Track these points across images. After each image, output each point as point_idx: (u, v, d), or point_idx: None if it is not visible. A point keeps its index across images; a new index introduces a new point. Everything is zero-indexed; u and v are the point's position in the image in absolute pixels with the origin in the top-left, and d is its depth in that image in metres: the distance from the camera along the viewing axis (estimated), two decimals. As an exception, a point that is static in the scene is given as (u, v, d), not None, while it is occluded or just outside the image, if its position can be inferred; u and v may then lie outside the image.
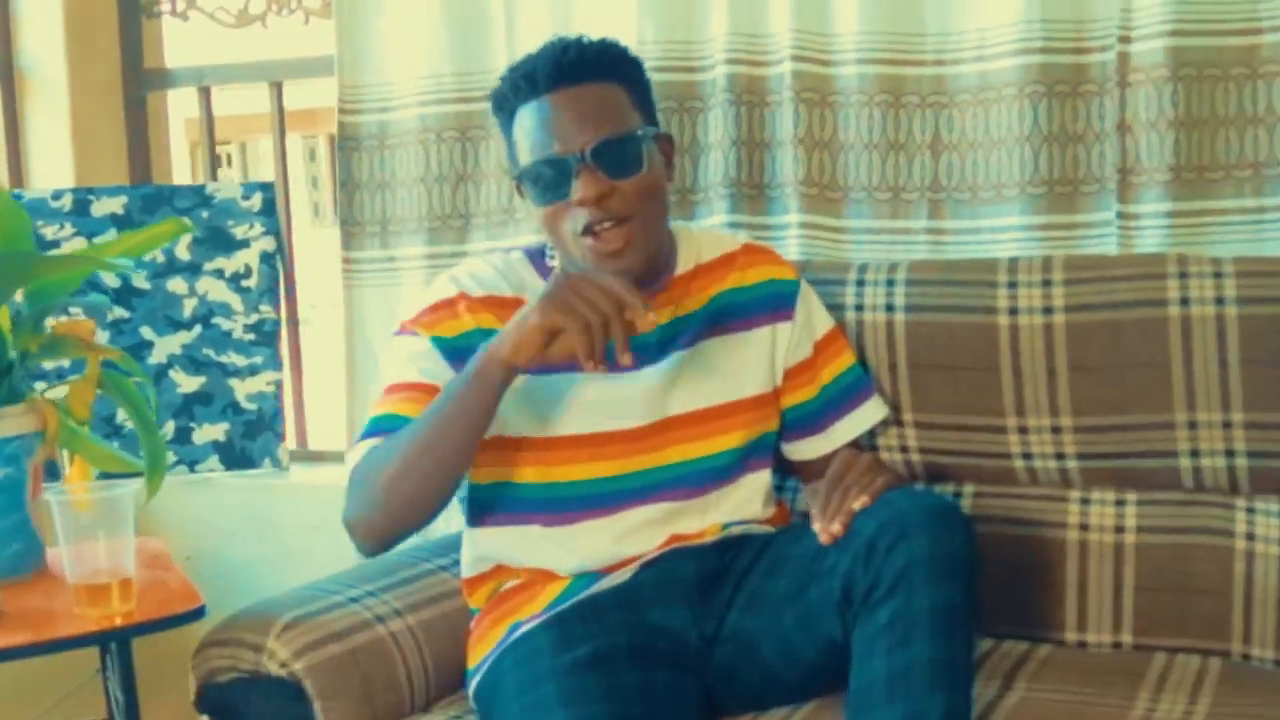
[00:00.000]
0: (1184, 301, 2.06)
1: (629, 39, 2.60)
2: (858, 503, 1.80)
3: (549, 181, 1.97)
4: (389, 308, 2.89)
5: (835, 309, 2.22)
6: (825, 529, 1.79)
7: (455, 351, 1.97)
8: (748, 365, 2.11)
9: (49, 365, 2.75)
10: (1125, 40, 2.35)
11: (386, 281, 2.90)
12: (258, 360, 3.11)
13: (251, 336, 3.10)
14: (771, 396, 2.13)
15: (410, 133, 2.83)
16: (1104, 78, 2.39)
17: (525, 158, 2.00)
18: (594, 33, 2.61)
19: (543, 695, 1.80)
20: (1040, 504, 2.17)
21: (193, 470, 3.09)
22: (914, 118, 2.51)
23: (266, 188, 3.10)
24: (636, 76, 2.08)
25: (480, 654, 2.00)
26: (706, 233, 2.24)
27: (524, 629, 1.95)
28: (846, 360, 2.18)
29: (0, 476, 2.07)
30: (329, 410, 3.23)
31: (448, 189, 2.83)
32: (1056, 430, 2.13)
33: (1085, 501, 2.15)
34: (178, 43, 3.36)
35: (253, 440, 3.11)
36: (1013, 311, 2.13)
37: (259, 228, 3.08)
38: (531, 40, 2.66)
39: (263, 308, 3.10)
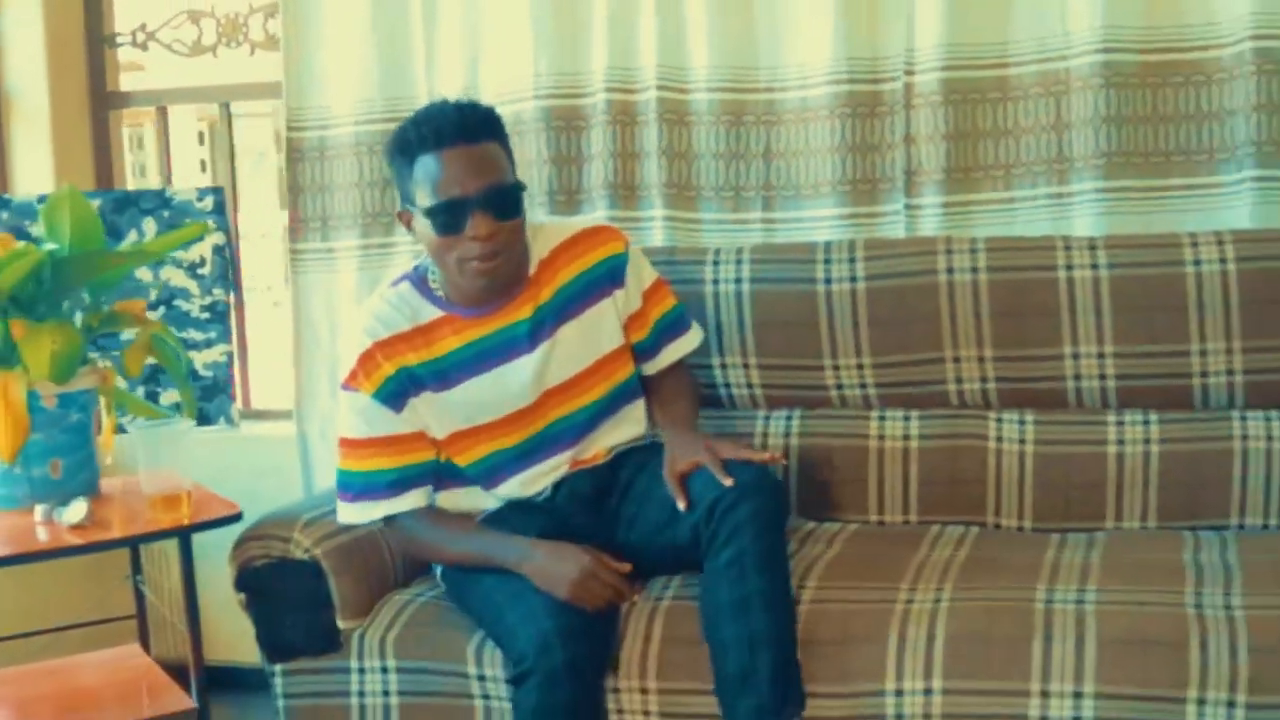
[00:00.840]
0: (949, 270, 2.83)
1: (527, 72, 3.30)
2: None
3: (447, 219, 2.41)
4: (328, 291, 3.53)
5: (696, 283, 2.94)
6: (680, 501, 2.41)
7: (389, 396, 2.52)
8: (599, 332, 2.61)
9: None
10: (910, 74, 3.09)
11: (326, 269, 3.53)
12: (212, 335, 3.70)
13: (206, 315, 3.70)
14: (623, 348, 2.65)
15: (347, 146, 3.46)
16: (894, 102, 3.12)
17: (426, 198, 2.43)
18: (499, 66, 3.30)
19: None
20: (849, 422, 2.93)
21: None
22: (751, 133, 3.21)
23: (218, 191, 3.71)
24: (506, 136, 2.53)
25: None
26: (546, 225, 2.67)
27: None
28: (669, 303, 2.72)
29: (75, 420, 2.69)
30: (274, 376, 3.86)
31: (377, 192, 3.47)
32: (860, 367, 2.89)
33: (882, 419, 2.91)
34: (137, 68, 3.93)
35: (209, 402, 3.72)
36: (827, 281, 2.88)
37: (211, 224, 3.68)
38: (448, 71, 3.35)
39: (215, 292, 3.70)
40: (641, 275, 2.68)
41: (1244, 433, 2.74)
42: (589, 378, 2.62)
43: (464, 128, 2.43)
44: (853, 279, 2.87)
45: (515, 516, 2.59)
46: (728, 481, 2.35)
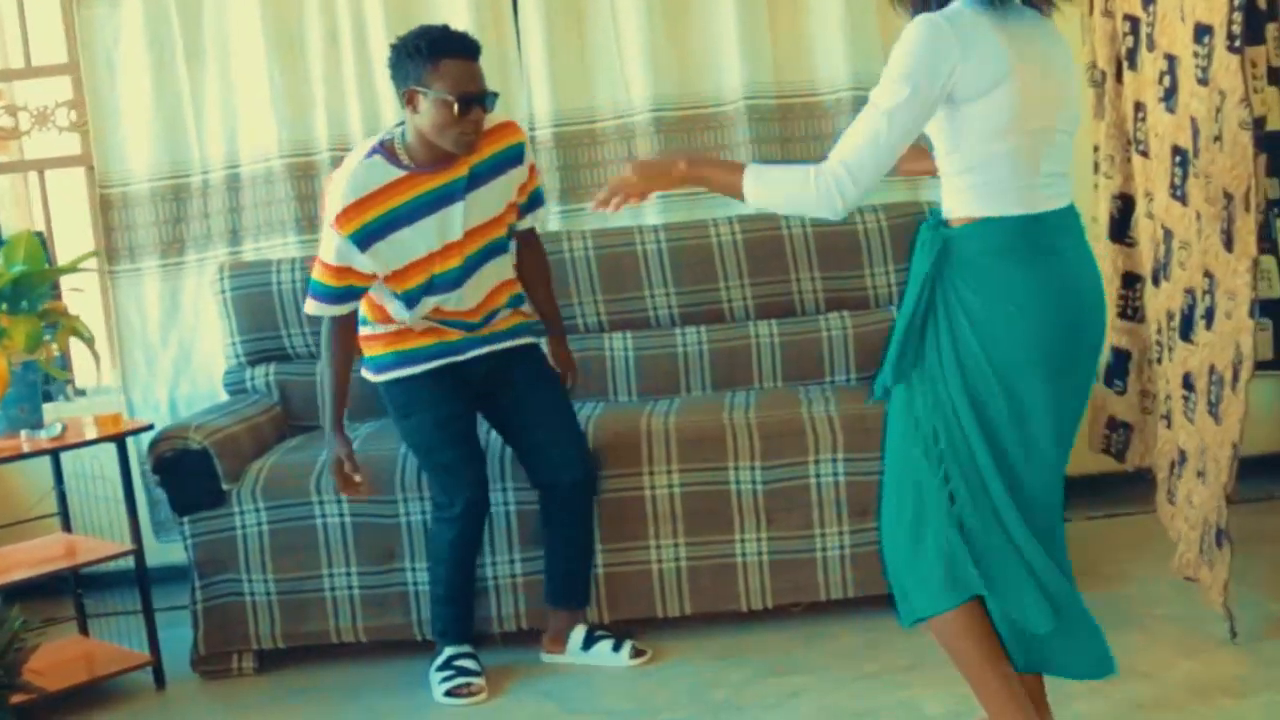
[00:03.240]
0: (570, 250, 4.58)
1: (273, 138, 4.86)
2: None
3: (461, 107, 3.54)
4: (137, 298, 4.95)
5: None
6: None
7: (358, 239, 3.61)
8: (505, 191, 3.78)
9: None
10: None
11: (135, 283, 4.94)
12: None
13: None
14: (514, 205, 3.83)
15: (145, 197, 4.92)
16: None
17: (445, 89, 3.53)
18: (252, 134, 4.87)
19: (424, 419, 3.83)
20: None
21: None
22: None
23: (40, 234, 5.06)
24: None
25: (377, 351, 3.90)
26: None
27: (408, 371, 3.86)
28: (539, 181, 3.97)
29: (31, 380, 4.07)
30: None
31: (169, 227, 4.92)
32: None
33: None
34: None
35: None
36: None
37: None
38: (213, 140, 4.91)
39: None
40: (530, 155, 3.89)
41: (756, 333, 4.60)
42: (494, 224, 3.79)
43: (476, 48, 3.65)
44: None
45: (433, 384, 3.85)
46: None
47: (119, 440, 4.07)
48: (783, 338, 4.59)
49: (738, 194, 2.82)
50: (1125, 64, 4.17)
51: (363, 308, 3.82)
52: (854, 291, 4.63)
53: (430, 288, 3.73)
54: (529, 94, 4.84)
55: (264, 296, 4.63)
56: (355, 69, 4.83)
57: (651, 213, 4.79)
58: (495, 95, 3.66)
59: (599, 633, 3.99)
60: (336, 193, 3.64)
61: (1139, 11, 4.00)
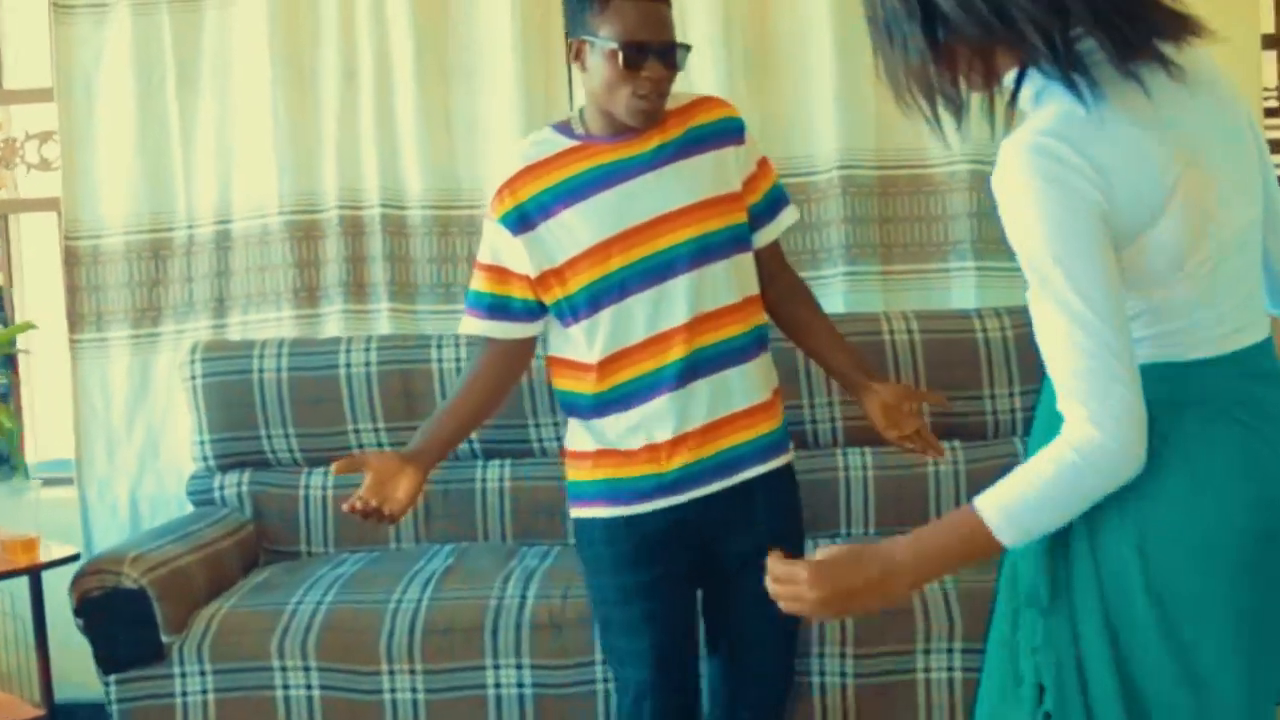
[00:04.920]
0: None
1: (272, 191, 4.06)
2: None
3: (631, 57, 2.63)
4: (101, 373, 4.16)
5: (424, 362, 3.76)
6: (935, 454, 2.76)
7: (512, 220, 2.71)
8: (718, 173, 2.75)
9: None
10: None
11: (101, 356, 4.16)
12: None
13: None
14: (737, 196, 2.78)
15: (119, 253, 4.14)
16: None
17: (614, 36, 2.63)
18: (249, 186, 4.06)
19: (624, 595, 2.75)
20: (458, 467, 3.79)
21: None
22: (457, 241, 4.05)
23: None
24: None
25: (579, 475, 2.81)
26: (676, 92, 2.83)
27: (595, 513, 2.77)
28: (776, 176, 2.90)
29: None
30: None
31: (146, 290, 4.14)
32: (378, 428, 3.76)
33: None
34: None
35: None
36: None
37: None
38: (204, 190, 4.10)
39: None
40: (757, 144, 2.90)
41: (846, 465, 3.73)
42: (701, 210, 2.74)
43: None
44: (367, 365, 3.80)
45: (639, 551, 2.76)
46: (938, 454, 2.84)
47: (33, 574, 3.28)
48: (877, 472, 3.72)
49: (992, 552, 1.86)
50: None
51: (559, 377, 2.85)
52: (969, 417, 3.74)
53: (611, 289, 2.72)
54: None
55: (243, 386, 3.82)
56: (374, 112, 4.05)
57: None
58: (686, 48, 2.75)
59: None
60: (499, 177, 2.82)
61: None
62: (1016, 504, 1.80)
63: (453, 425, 2.82)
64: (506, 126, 4.01)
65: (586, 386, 2.74)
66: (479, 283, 2.81)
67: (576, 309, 2.72)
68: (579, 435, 2.80)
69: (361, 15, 4.05)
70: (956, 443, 3.70)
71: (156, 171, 4.13)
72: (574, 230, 2.71)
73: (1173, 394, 1.83)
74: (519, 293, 2.76)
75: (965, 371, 3.72)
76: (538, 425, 3.76)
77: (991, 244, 3.90)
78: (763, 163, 2.88)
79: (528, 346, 2.85)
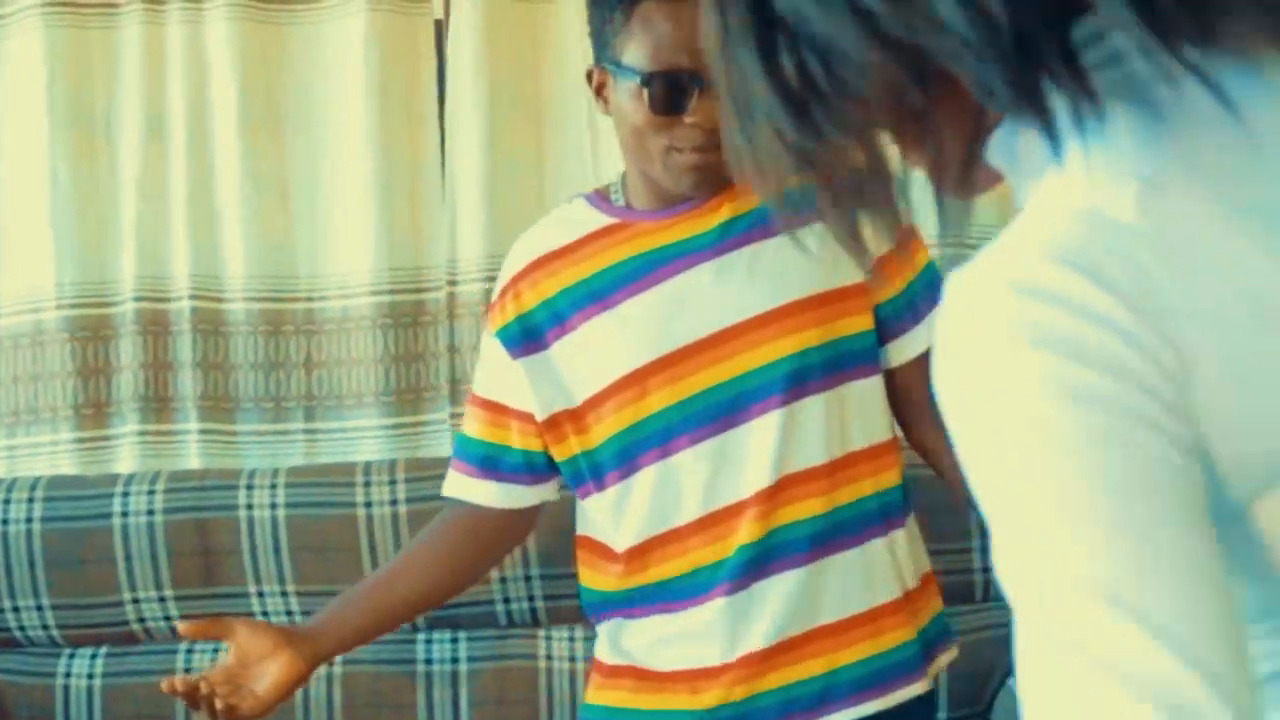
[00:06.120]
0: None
1: (49, 279, 3.10)
2: None
3: (666, 93, 1.83)
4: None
5: (229, 509, 2.79)
6: None
7: (514, 334, 2.00)
8: (805, 263, 1.87)
9: None
10: (452, 284, 3.09)
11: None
12: None
13: None
14: (854, 290, 1.94)
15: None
16: (437, 312, 3.11)
17: (641, 60, 1.85)
18: (19, 273, 3.11)
19: None
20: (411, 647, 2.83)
21: None
22: (291, 342, 3.13)
23: None
24: None
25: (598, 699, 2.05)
26: None
27: None
28: (925, 257, 2.02)
29: None
30: None
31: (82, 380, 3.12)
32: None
33: (429, 643, 2.81)
34: None
35: None
36: (367, 505, 2.79)
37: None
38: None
39: None
40: None
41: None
42: (795, 315, 1.90)
43: None
44: (394, 502, 2.80)
45: None
46: None
47: None
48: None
49: None
50: None
51: (579, 563, 2.09)
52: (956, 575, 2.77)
53: (650, 440, 1.91)
54: (454, 237, 3.14)
55: (-15, 540, 2.83)
56: (186, 175, 3.10)
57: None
58: None
59: None
60: (503, 269, 2.08)
61: None
62: None
63: (377, 608, 2.05)
64: (357, 194, 3.10)
65: (608, 582, 1.99)
66: (470, 424, 2.10)
67: (600, 470, 1.96)
68: (599, 640, 2.05)
69: (172, 50, 3.11)
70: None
71: (85, 242, 3.17)
72: (599, 351, 1.93)
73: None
74: (518, 440, 2.03)
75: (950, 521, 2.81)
76: (504, 581, 2.77)
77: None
78: (906, 236, 1.95)
79: (524, 520, 2.13)
